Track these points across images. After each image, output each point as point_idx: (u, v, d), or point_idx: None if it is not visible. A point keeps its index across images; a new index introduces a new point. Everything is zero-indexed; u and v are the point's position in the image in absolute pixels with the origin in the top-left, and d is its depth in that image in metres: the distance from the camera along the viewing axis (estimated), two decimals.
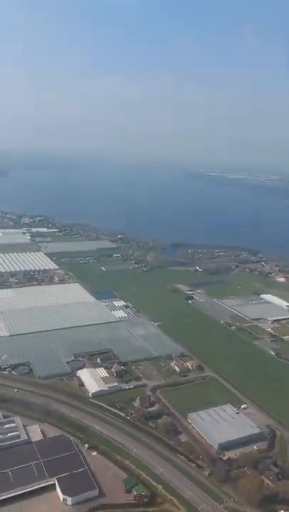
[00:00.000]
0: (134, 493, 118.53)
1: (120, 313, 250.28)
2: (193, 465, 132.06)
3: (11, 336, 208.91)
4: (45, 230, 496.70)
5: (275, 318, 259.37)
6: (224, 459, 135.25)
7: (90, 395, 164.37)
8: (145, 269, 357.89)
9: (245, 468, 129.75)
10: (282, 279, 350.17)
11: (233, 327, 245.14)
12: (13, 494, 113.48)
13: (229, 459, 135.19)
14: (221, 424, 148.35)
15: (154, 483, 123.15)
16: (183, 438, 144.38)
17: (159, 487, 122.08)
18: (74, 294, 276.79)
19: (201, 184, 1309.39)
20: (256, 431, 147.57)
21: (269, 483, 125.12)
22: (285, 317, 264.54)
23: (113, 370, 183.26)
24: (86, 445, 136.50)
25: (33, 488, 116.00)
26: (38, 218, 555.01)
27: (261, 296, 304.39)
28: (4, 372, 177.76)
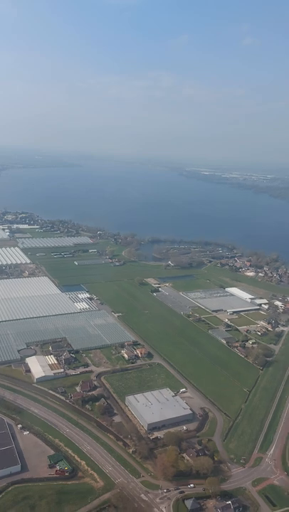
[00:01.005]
0: (57, 468, 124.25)
1: (82, 305, 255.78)
2: (121, 443, 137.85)
3: None
4: (26, 226, 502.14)
5: (234, 310, 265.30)
6: (151, 438, 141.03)
7: (35, 380, 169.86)
8: (118, 264, 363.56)
9: (169, 447, 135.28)
10: (251, 274, 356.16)
11: (191, 318, 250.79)
12: None
13: (156, 438, 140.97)
14: (155, 406, 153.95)
15: (78, 459, 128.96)
16: (117, 419, 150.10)
17: (83, 463, 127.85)
18: (40, 287, 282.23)
19: (193, 183, 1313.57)
20: (187, 412, 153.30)
21: (189, 459, 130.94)
22: (245, 308, 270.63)
23: (62, 357, 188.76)
24: (19, 425, 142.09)
25: None
26: (21, 215, 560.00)
27: (227, 289, 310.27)
28: None
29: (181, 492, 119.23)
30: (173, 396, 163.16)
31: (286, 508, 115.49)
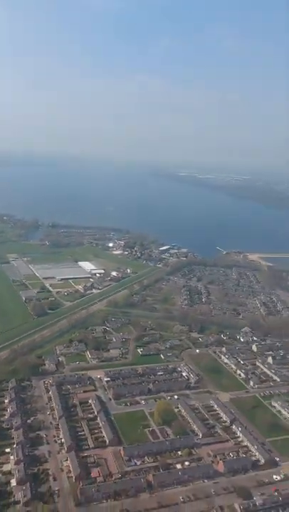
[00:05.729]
0: None
1: None
2: None
3: None
4: None
5: (64, 277, 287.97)
6: None
7: None
8: None
9: None
10: (117, 252, 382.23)
11: (16, 283, 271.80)
12: None
13: None
14: None
15: None
16: None
17: None
18: None
19: (155, 182, 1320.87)
20: None
21: None
22: (77, 276, 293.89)
23: None
24: None
25: None
26: None
27: (79, 263, 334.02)
28: None
29: None
30: None
31: None
